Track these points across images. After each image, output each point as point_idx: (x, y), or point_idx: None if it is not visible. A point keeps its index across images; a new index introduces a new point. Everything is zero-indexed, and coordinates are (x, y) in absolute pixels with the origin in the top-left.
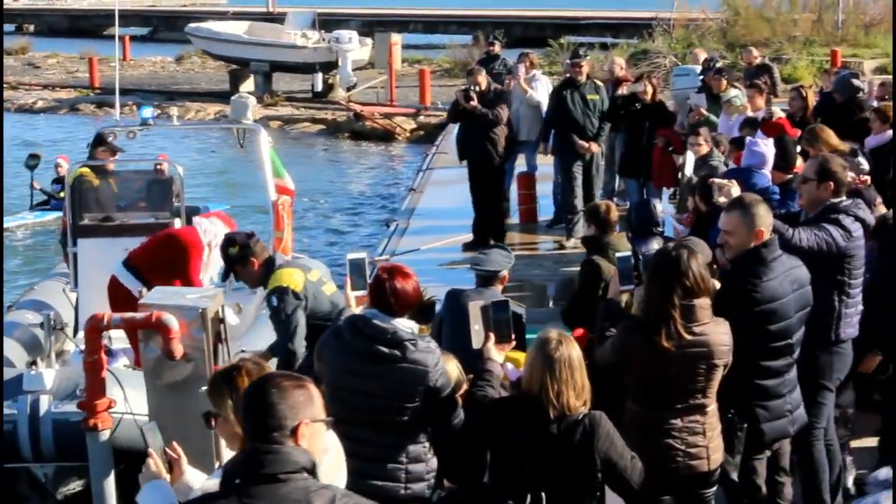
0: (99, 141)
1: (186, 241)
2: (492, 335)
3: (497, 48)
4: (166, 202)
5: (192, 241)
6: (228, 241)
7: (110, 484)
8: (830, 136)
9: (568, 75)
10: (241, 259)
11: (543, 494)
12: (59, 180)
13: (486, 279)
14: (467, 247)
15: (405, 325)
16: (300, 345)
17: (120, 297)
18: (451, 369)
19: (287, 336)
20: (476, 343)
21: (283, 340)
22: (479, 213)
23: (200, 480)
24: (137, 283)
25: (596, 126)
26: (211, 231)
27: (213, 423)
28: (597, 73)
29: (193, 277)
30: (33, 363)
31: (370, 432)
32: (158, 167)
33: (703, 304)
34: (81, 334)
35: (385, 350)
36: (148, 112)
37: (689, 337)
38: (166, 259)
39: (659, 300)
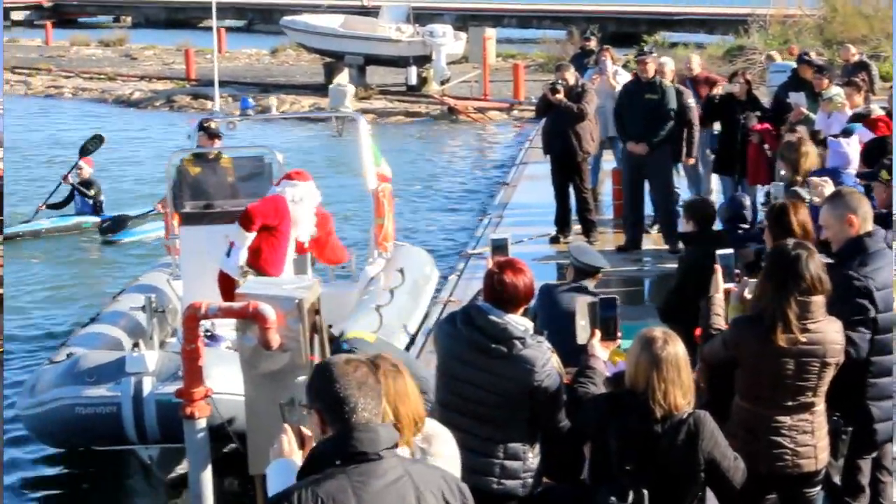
0: (200, 127)
1: (267, 209)
2: (597, 332)
3: (592, 43)
4: (263, 188)
5: (273, 206)
6: None
7: (207, 470)
8: None
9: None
10: None
11: (646, 492)
12: (82, 183)
13: (583, 273)
14: (552, 240)
15: (518, 322)
16: None
17: (229, 289)
18: None
19: None
20: (581, 339)
21: None
22: (561, 206)
23: None
24: (237, 269)
25: (649, 127)
26: (290, 190)
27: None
28: (682, 72)
29: (282, 240)
30: (135, 345)
31: (472, 423)
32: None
33: (819, 302)
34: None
35: (494, 345)
36: (249, 101)
37: (803, 335)
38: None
39: (775, 297)
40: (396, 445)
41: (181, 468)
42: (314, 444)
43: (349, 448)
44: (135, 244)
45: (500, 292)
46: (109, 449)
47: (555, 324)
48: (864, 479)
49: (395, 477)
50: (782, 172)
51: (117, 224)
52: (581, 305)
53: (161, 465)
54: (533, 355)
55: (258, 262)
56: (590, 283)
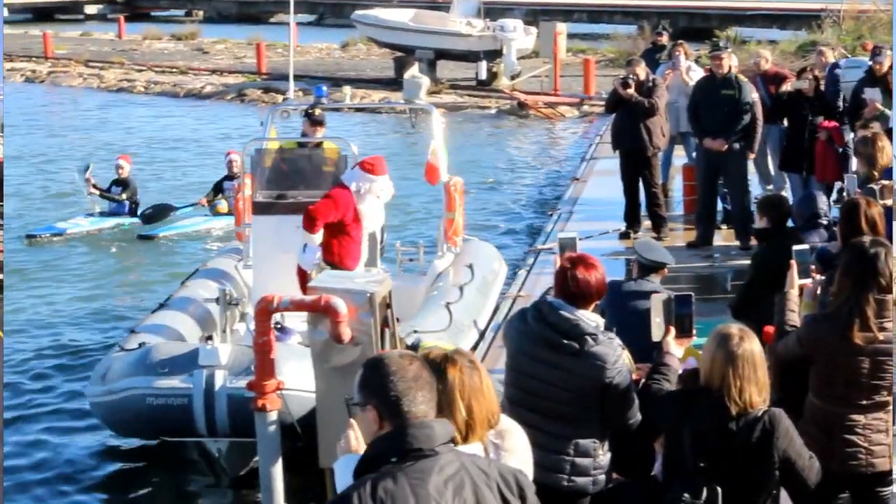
0: (305, 114)
1: (327, 208)
2: (672, 328)
3: (664, 39)
4: (337, 179)
5: (333, 204)
6: None
7: (278, 464)
8: None
9: (710, 69)
10: None
11: (719, 490)
12: (119, 182)
13: (648, 269)
14: (621, 236)
15: (590, 318)
16: None
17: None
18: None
19: None
20: (656, 335)
21: None
22: (630, 202)
23: None
24: (312, 265)
25: (727, 123)
26: (356, 182)
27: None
28: (751, 68)
29: (352, 233)
30: (209, 338)
31: (542, 420)
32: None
33: (893, 300)
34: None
35: (565, 341)
36: (323, 90)
37: (880, 333)
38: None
39: (853, 295)
40: (453, 440)
41: (251, 463)
42: (370, 443)
43: (405, 445)
44: (172, 241)
45: (571, 288)
46: (178, 441)
47: (621, 320)
48: None
49: (452, 472)
50: (854, 168)
51: (158, 213)
52: (656, 302)
53: (229, 460)
54: (604, 352)
55: (332, 258)
56: (655, 279)
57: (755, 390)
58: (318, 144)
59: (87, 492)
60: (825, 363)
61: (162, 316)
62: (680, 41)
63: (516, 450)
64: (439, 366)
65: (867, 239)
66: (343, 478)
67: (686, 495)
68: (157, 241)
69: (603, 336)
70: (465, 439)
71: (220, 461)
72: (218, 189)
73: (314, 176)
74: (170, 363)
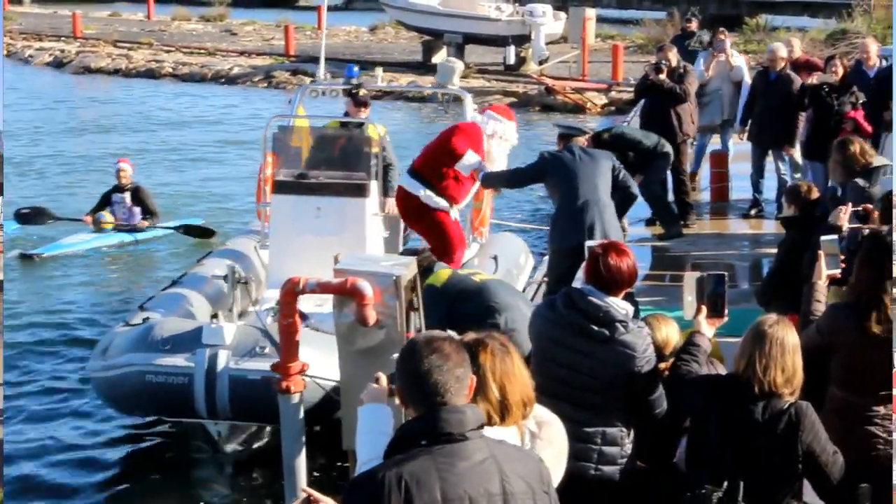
0: (348, 94)
1: (457, 132)
2: (704, 308)
3: (694, 25)
4: (362, 161)
5: (465, 130)
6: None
7: (301, 446)
8: None
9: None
10: None
11: (741, 482)
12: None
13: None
14: (647, 223)
15: (620, 305)
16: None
17: (411, 206)
18: (671, 333)
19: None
20: (688, 314)
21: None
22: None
23: None
24: (420, 186)
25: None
26: (489, 124)
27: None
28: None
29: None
30: (214, 316)
31: (570, 408)
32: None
33: None
34: (269, 292)
35: (595, 328)
36: (355, 70)
37: None
38: (443, 154)
39: (871, 284)
40: (483, 426)
41: (251, 444)
42: (401, 425)
43: (436, 429)
44: (56, 261)
45: (603, 274)
46: (177, 421)
47: None
48: None
49: (481, 459)
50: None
51: (34, 216)
52: (689, 281)
53: (228, 441)
54: (633, 340)
55: (445, 192)
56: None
57: (780, 373)
58: (360, 125)
59: (85, 474)
60: (845, 353)
61: (172, 292)
62: (721, 28)
63: (553, 441)
64: (471, 349)
65: (885, 228)
66: (366, 425)
67: (707, 486)
68: (36, 261)
69: (633, 324)
70: (503, 420)
71: (219, 444)
72: (105, 202)
73: (354, 156)
74: (172, 340)
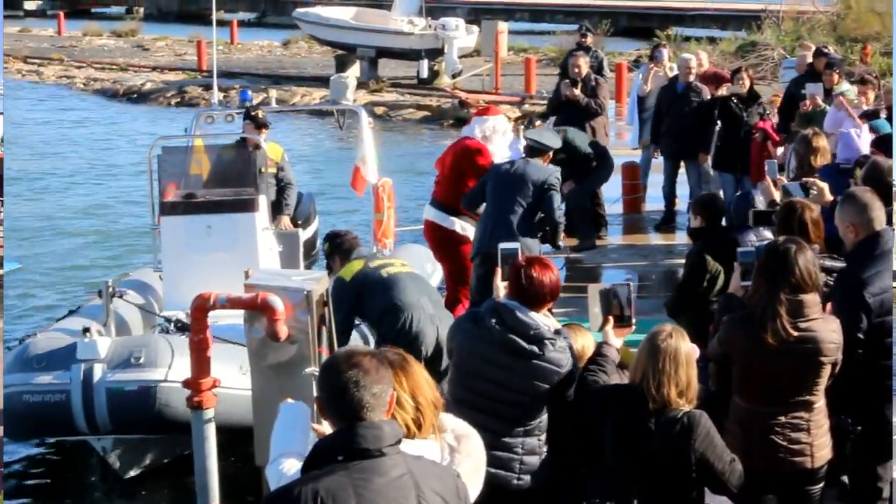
0: (247, 116)
1: (467, 152)
2: (611, 319)
3: (589, 40)
4: (249, 177)
5: (471, 146)
6: (326, 238)
7: (213, 461)
8: None
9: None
10: (330, 255)
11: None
12: None
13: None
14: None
15: (546, 322)
16: (340, 325)
17: (442, 237)
18: (587, 343)
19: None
20: (594, 326)
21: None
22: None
23: None
24: (451, 218)
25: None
26: (486, 125)
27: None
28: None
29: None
30: (86, 331)
31: (490, 420)
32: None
33: (811, 300)
34: (167, 314)
35: (524, 345)
36: (248, 94)
37: (795, 333)
38: (470, 176)
39: (765, 294)
40: (400, 441)
41: (143, 464)
42: (318, 440)
43: (353, 444)
44: None
45: (525, 287)
46: (62, 440)
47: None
48: (885, 486)
49: (398, 475)
50: (792, 166)
51: None
52: (593, 293)
53: (121, 459)
54: (560, 358)
55: (451, 203)
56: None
57: (674, 388)
58: (257, 146)
59: None
60: (742, 363)
61: (65, 321)
62: (662, 41)
63: (472, 454)
64: None
65: (782, 238)
66: (283, 419)
67: (597, 500)
68: None
69: (560, 342)
70: (420, 430)
71: (108, 461)
72: None
73: (243, 173)
74: (47, 358)
